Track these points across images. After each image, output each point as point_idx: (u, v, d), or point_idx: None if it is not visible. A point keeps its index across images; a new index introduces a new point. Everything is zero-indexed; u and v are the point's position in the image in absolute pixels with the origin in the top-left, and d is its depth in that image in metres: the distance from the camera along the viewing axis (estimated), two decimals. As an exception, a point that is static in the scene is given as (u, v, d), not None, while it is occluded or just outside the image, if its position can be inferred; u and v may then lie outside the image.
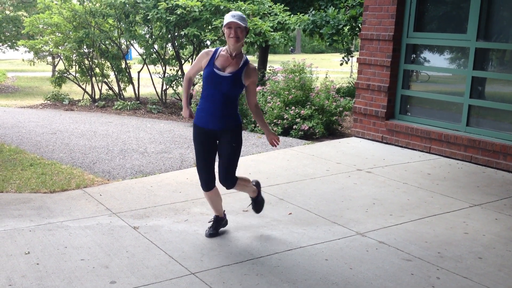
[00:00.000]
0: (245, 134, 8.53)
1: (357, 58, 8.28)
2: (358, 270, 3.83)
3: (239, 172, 6.19)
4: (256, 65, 4.14)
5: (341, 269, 3.84)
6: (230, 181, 4.19)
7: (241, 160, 6.80)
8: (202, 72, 4.11)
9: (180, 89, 11.56)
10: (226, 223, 4.54)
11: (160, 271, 3.75)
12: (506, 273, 3.84)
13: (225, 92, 3.99)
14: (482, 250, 4.22)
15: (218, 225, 4.45)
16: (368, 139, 8.08)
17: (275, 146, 4.27)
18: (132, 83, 12.22)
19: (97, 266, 3.78)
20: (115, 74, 12.33)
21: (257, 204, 4.60)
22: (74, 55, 12.19)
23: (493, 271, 3.86)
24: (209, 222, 4.49)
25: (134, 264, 3.83)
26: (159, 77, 11.88)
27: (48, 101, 12.47)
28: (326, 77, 10.07)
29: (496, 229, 4.67)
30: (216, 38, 10.40)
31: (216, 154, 4.23)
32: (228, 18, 3.92)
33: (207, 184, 4.23)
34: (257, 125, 8.92)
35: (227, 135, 4.11)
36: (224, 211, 4.53)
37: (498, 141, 6.59)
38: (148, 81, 13.05)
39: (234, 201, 5.23)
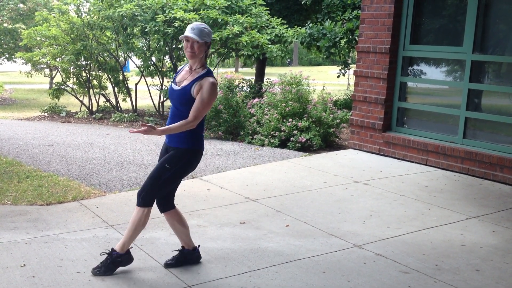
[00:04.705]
0: (242, 146, 8.53)
1: (354, 71, 8.31)
2: (355, 282, 3.82)
3: (235, 184, 6.18)
4: (212, 79, 3.81)
5: (338, 281, 3.82)
6: (141, 197, 3.77)
7: (238, 172, 6.83)
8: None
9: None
10: (197, 258, 4.10)
11: (156, 283, 3.73)
12: (503, 286, 3.83)
13: (176, 107, 3.79)
14: (480, 263, 4.21)
15: (181, 257, 4.04)
16: (365, 151, 8.09)
17: (140, 130, 3.55)
18: (130, 95, 12.24)
19: (93, 279, 3.76)
20: (112, 86, 12.35)
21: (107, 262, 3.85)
22: (72, 67, 12.21)
23: (491, 284, 3.85)
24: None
25: (131, 277, 3.81)
26: (157, 89, 11.90)
27: (45, 113, 12.47)
28: (323, 89, 10.10)
29: (493, 242, 4.66)
30: (213, 50, 10.44)
31: None
32: (187, 30, 3.73)
33: (159, 204, 3.96)
34: (255, 137, 8.92)
35: (169, 153, 3.85)
36: (198, 246, 4.12)
37: (495, 153, 6.60)
38: (145, 93, 13.06)
39: (231, 213, 5.22)
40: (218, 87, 3.68)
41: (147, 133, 3.57)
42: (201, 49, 3.73)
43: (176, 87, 3.80)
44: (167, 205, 3.95)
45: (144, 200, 3.77)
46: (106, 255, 3.87)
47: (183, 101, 3.74)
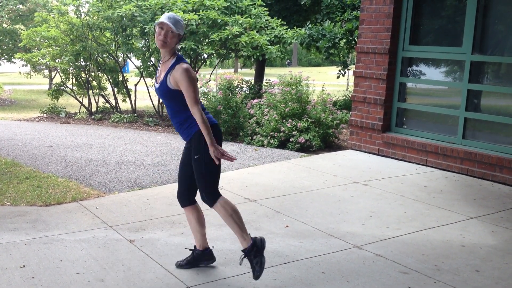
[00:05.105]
0: (241, 147, 8.53)
1: (353, 71, 8.32)
2: (355, 283, 3.82)
3: (235, 185, 6.16)
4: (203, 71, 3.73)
5: (338, 282, 3.82)
6: (205, 198, 3.80)
7: (238, 173, 6.83)
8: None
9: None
10: (209, 259, 4.03)
11: (156, 284, 3.73)
12: (503, 286, 3.83)
13: (165, 103, 3.82)
14: (479, 263, 4.21)
15: (192, 259, 4.02)
16: (365, 151, 8.09)
17: (217, 162, 3.70)
18: (129, 96, 12.24)
19: (92, 280, 3.76)
20: (112, 87, 12.35)
21: (252, 256, 3.75)
22: (71, 68, 12.21)
23: (490, 284, 3.85)
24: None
25: (130, 278, 3.81)
26: (156, 90, 11.88)
27: (45, 114, 12.47)
28: (322, 90, 10.11)
29: (493, 242, 4.66)
30: (213, 51, 10.44)
31: (191, 167, 3.85)
32: (162, 17, 3.69)
33: (178, 198, 4.00)
34: (254, 137, 8.92)
35: (190, 146, 3.81)
36: (211, 247, 4.08)
37: (494, 154, 6.61)
38: (145, 94, 13.08)
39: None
40: (193, 71, 3.67)
41: (223, 157, 3.63)
42: (173, 40, 3.69)
43: (156, 85, 3.83)
44: (187, 201, 3.95)
45: (210, 197, 3.78)
46: (247, 257, 3.75)
47: (166, 96, 3.75)
